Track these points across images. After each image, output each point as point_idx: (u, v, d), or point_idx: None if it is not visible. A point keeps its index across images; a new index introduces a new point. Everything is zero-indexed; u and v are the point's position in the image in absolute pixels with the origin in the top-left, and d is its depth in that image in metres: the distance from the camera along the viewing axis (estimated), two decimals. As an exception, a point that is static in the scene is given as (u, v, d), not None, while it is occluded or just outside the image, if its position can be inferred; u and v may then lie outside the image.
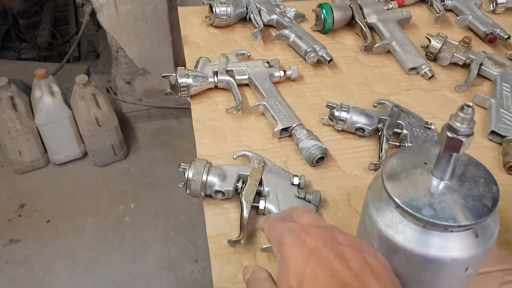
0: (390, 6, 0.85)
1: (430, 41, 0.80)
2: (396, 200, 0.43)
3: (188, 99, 0.74)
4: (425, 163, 0.45)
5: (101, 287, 1.68)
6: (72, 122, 1.89)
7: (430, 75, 0.78)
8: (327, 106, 0.70)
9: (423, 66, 0.78)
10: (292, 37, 0.80)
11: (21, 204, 1.89)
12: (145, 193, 1.96)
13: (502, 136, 0.68)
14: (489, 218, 0.42)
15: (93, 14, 1.88)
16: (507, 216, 0.62)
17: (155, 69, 1.99)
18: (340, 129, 0.70)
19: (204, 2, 0.83)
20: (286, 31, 0.81)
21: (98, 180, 2.01)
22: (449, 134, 0.40)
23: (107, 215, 1.88)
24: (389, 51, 0.82)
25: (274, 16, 0.84)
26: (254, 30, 0.81)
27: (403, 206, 0.42)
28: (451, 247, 0.43)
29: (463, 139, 0.40)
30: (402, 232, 0.44)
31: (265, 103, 0.71)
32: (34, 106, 1.86)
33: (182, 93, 0.73)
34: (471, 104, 0.39)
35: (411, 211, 0.42)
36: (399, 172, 0.45)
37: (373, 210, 0.46)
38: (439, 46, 0.79)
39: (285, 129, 0.69)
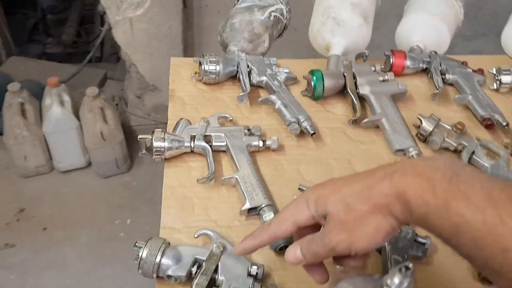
0: (386, 77, 0.82)
1: (421, 122, 0.76)
2: None
3: (163, 161, 0.72)
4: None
5: (89, 302, 1.68)
6: (79, 133, 1.90)
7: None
8: (299, 189, 0.67)
9: (410, 149, 0.74)
10: (278, 104, 0.78)
11: (21, 209, 1.91)
12: (143, 208, 1.96)
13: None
14: None
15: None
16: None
17: (166, 86, 1.97)
18: (311, 213, 0.67)
19: (194, 59, 0.81)
20: (273, 97, 0.79)
21: (99, 191, 2.01)
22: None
23: (102, 228, 1.89)
24: (378, 127, 0.79)
25: (264, 78, 0.82)
26: (241, 94, 0.78)
27: None
28: None
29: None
30: None
31: (237, 176, 0.69)
32: (44, 113, 1.88)
33: (156, 156, 0.71)
34: (411, 266, 0.36)
35: None
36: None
37: None
38: (431, 129, 0.75)
39: (253, 208, 0.66)
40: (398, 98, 0.82)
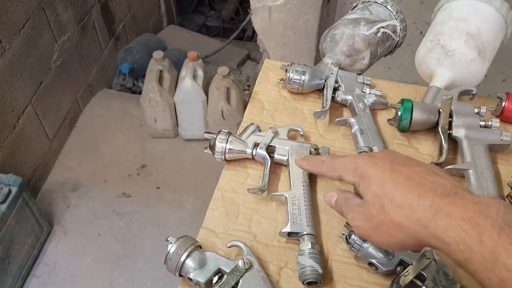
0: (489, 123, 0.70)
1: (515, 185, 0.65)
2: None
3: (224, 162, 0.73)
4: None
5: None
6: (204, 107, 2.02)
7: (499, 226, 0.63)
8: (345, 225, 0.62)
9: (494, 212, 0.64)
10: (355, 128, 0.72)
11: (143, 165, 2.11)
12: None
13: None
14: None
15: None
16: None
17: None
18: (354, 254, 0.62)
19: (282, 66, 0.79)
20: (351, 119, 0.73)
21: (212, 165, 2.12)
22: None
23: (206, 200, 1.99)
24: (463, 176, 0.69)
25: (349, 98, 0.76)
26: (318, 110, 0.75)
27: None
28: None
29: None
30: None
31: (287, 195, 0.66)
32: (178, 83, 2.03)
33: (216, 156, 0.72)
34: None
35: None
36: None
37: None
38: (525, 194, 0.63)
39: (295, 233, 0.64)
40: (498, 149, 0.71)
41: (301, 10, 1.75)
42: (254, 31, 3.04)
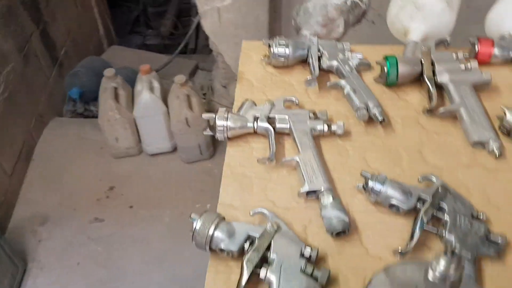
0: (469, 65, 0.75)
1: (505, 113, 0.69)
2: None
3: (226, 141, 0.74)
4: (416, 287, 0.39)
5: (165, 280, 1.76)
6: (166, 118, 1.99)
7: (498, 153, 0.68)
8: (362, 175, 0.64)
9: (491, 141, 0.68)
10: (347, 89, 0.75)
11: (111, 187, 2.05)
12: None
13: None
14: None
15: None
16: None
17: (250, 77, 2.02)
18: (373, 201, 0.64)
19: (264, 41, 0.81)
20: (342, 82, 0.76)
21: (182, 176, 2.10)
22: (429, 277, 0.34)
23: (184, 210, 1.96)
24: (456, 117, 0.73)
25: (335, 63, 0.79)
26: (309, 78, 0.77)
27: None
28: None
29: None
30: None
31: (298, 159, 0.68)
32: (135, 98, 2.00)
33: (218, 135, 0.72)
34: (458, 253, 0.33)
35: None
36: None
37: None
38: (516, 121, 0.68)
39: (312, 191, 0.65)
40: (481, 88, 0.76)
41: (249, 8, 1.79)
42: (196, 44, 3.05)
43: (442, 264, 0.33)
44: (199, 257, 1.84)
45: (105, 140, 2.06)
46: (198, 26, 2.25)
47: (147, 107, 1.94)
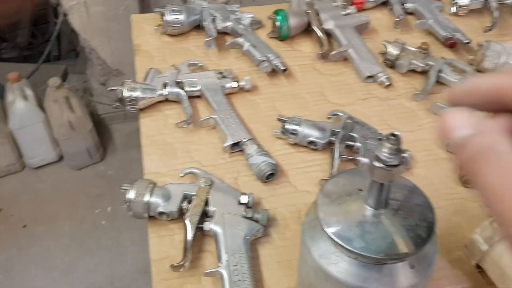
0: (348, 11, 0.83)
1: (386, 47, 0.78)
2: (328, 230, 0.41)
3: (137, 112, 0.72)
4: (360, 190, 0.43)
5: (79, 291, 1.66)
6: (46, 126, 1.86)
7: (387, 83, 0.76)
8: (278, 119, 0.68)
9: (379, 74, 0.76)
10: (246, 45, 0.78)
11: (-3, 209, 1.86)
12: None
13: (457, 147, 0.67)
14: (425, 248, 0.41)
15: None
16: (462, 231, 0.60)
17: (130, 69, 1.95)
18: (292, 142, 0.68)
19: (156, 10, 0.80)
20: (240, 40, 0.79)
21: (74, 184, 1.98)
22: (376, 164, 0.38)
23: (83, 219, 1.86)
24: (346, 59, 0.80)
25: (229, 23, 0.82)
26: (207, 39, 0.78)
27: (334, 237, 0.40)
28: (385, 279, 0.41)
29: (391, 170, 0.38)
30: (335, 264, 0.42)
31: (215, 116, 0.69)
32: (8, 110, 1.83)
33: (129, 106, 0.70)
34: (398, 133, 0.37)
35: (342, 243, 0.40)
36: (333, 200, 0.43)
37: (308, 238, 0.44)
38: (397, 53, 0.77)
39: (235, 144, 0.67)
40: (361, 30, 0.84)
41: (118, -1, 1.73)
42: (60, 50, 2.86)
43: (386, 146, 0.37)
44: (110, 262, 1.78)
45: (-21, 160, 1.86)
46: (60, 32, 2.12)
47: (23, 117, 1.79)
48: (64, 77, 2.54)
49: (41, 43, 2.87)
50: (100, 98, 2.10)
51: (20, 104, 1.77)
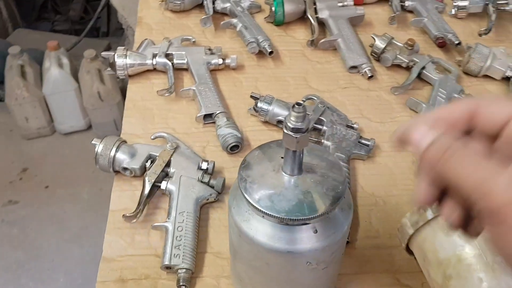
0: (345, 3, 0.85)
1: (374, 40, 0.79)
2: (240, 187, 0.44)
3: (127, 78, 0.77)
4: (282, 157, 0.46)
5: (86, 255, 1.75)
6: (78, 95, 1.96)
7: (369, 75, 0.78)
8: (251, 96, 0.71)
9: (363, 65, 0.78)
10: (239, 26, 0.82)
11: (24, 168, 1.98)
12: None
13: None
14: (329, 215, 0.43)
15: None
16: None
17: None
18: (263, 120, 0.71)
19: (160, -13, 0.85)
20: (234, 20, 0.82)
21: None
22: (284, 131, 0.41)
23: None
24: (335, 48, 0.82)
25: (228, 5, 0.86)
26: (203, 17, 0.83)
27: (245, 195, 0.44)
28: (287, 239, 0.44)
29: (297, 136, 0.41)
30: (247, 221, 0.45)
31: (194, 88, 0.73)
32: (44, 76, 1.94)
33: (119, 72, 0.76)
34: (302, 102, 0.40)
35: (250, 201, 0.43)
36: (256, 163, 0.47)
37: (231, 197, 0.48)
38: (383, 46, 0.78)
39: (209, 116, 0.71)
40: (356, 22, 0.86)
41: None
42: (109, 27, 2.99)
43: (292, 114, 0.40)
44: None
45: (15, 121, 1.99)
46: (110, 9, 2.21)
47: (57, 84, 1.90)
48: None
49: (92, 19, 3.02)
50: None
51: (55, 71, 1.88)
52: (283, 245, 0.44)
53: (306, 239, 0.44)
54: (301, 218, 0.42)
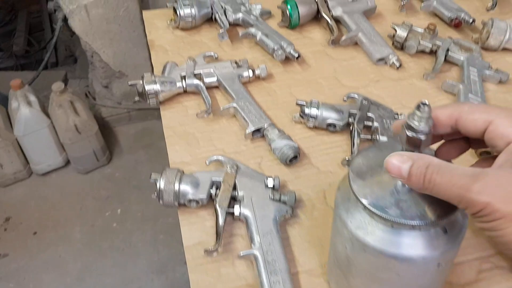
0: (356, -4, 0.85)
1: (396, 30, 0.80)
2: (363, 201, 0.43)
3: (158, 105, 0.74)
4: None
5: (93, 295, 1.67)
6: (52, 131, 1.87)
7: (398, 65, 0.78)
8: (297, 104, 0.70)
9: (390, 56, 0.78)
10: (259, 35, 0.80)
11: (7, 218, 1.87)
12: (131, 197, 1.95)
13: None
14: (457, 212, 0.43)
15: (66, 19, 1.85)
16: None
17: (132, 71, 1.97)
18: (311, 126, 0.70)
19: (168, 5, 0.82)
20: (252, 29, 0.80)
21: (82, 188, 1.99)
22: (408, 134, 0.40)
23: (94, 222, 1.87)
24: (356, 43, 0.82)
25: (240, 15, 0.83)
26: (220, 31, 0.80)
27: (370, 207, 0.42)
28: (421, 245, 0.43)
29: (422, 137, 0.40)
30: (372, 233, 0.44)
31: (235, 105, 0.71)
32: (12, 117, 1.83)
33: (150, 100, 0.72)
34: (427, 102, 0.39)
35: (378, 212, 0.42)
36: (365, 172, 0.45)
37: (342, 212, 0.46)
38: (405, 35, 0.79)
39: (257, 130, 0.69)
40: (368, 15, 0.86)
41: (118, 0, 1.74)
42: (57, 56, 2.87)
43: (417, 115, 0.39)
44: (123, 264, 1.79)
45: (-13, 169, 1.87)
46: (52, 40, 2.12)
47: (28, 123, 1.80)
48: (65, 82, 2.55)
49: (38, 51, 2.88)
50: (104, 101, 2.12)
51: (24, 110, 1.78)
52: (417, 251, 0.43)
53: (438, 241, 0.43)
54: (434, 220, 0.41)
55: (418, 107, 0.39)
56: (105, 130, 2.12)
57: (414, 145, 0.40)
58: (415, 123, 0.39)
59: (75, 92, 2.07)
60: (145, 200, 1.93)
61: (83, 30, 1.79)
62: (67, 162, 2.01)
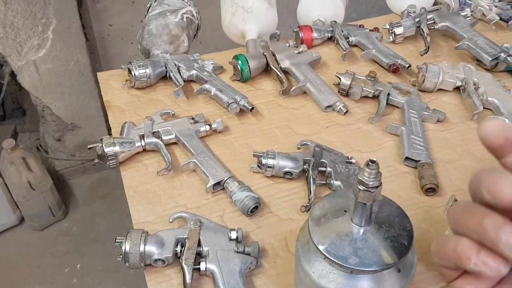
0: (300, 49, 0.91)
1: (340, 79, 0.86)
2: (324, 252, 0.46)
3: (118, 166, 0.75)
4: (345, 211, 0.49)
5: None
6: (4, 189, 1.81)
7: (344, 111, 0.83)
8: (254, 155, 0.73)
9: (337, 103, 0.84)
10: (213, 90, 0.83)
11: (-43, 284, 1.77)
12: (90, 250, 1.91)
13: (415, 161, 0.74)
14: (409, 253, 0.47)
15: (13, 74, 1.83)
16: (431, 236, 0.67)
17: (85, 122, 1.96)
18: (269, 175, 0.73)
19: (122, 67, 0.84)
20: (206, 86, 0.84)
21: (39, 245, 1.93)
22: (360, 188, 0.44)
23: (53, 280, 1.81)
24: (305, 92, 0.87)
25: (194, 72, 0.87)
26: (176, 89, 0.83)
27: (331, 258, 0.45)
28: (378, 286, 0.46)
29: (373, 191, 0.43)
30: (334, 281, 0.47)
31: (194, 160, 0.73)
32: (-41, 178, 1.77)
33: (110, 162, 0.73)
34: (375, 159, 0.43)
35: (339, 262, 0.45)
36: (323, 224, 0.48)
37: (304, 263, 0.49)
38: (349, 82, 0.85)
39: (217, 183, 0.71)
40: (314, 65, 0.92)
41: (67, 54, 1.75)
42: (4, 110, 2.80)
43: (367, 171, 0.43)
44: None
45: None
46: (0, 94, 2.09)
47: (-23, 183, 1.74)
48: (14, 137, 2.49)
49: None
50: (57, 154, 2.08)
51: (-27, 171, 1.72)
52: (376, 293, 0.46)
53: (393, 280, 0.47)
54: (390, 265, 0.45)
55: (367, 164, 0.43)
56: (60, 183, 2.08)
57: (366, 199, 0.44)
58: (365, 178, 0.43)
59: (27, 148, 2.03)
60: (104, 252, 1.89)
61: (33, 86, 1.78)
62: (22, 220, 1.95)
